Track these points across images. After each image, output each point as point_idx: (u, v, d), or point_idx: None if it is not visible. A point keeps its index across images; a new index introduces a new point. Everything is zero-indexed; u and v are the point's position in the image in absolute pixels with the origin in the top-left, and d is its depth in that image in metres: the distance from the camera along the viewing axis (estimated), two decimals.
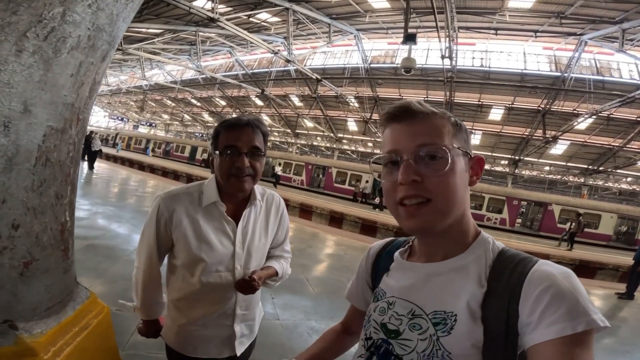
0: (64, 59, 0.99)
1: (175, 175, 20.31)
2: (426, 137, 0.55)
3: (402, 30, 9.72)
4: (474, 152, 0.62)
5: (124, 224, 5.49)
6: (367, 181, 19.42)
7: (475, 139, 21.70)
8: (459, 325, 0.51)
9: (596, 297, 5.73)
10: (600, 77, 15.17)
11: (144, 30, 15.94)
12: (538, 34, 14.00)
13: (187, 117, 37.38)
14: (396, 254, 0.69)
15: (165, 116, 41.31)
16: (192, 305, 1.06)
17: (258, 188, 1.11)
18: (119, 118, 38.59)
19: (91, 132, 13.40)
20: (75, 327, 1.07)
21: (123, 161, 23.25)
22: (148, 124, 40.67)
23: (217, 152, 1.00)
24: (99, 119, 46.34)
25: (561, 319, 0.43)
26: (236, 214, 1.07)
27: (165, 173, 20.48)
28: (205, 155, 28.27)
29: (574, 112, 16.23)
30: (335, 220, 12.77)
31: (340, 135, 26.79)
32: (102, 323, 1.17)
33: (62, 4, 0.93)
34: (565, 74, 14.86)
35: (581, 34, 13.04)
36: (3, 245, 0.87)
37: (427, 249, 0.62)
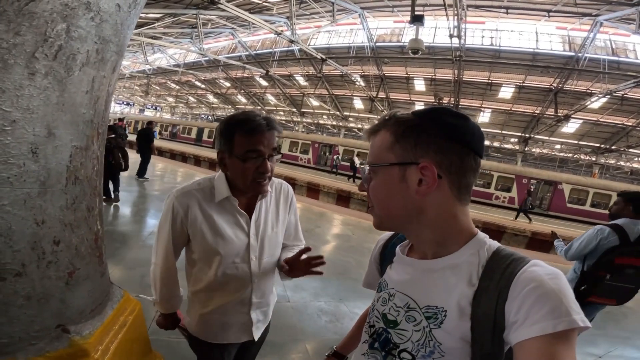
0: (77, 76, 0.98)
1: (183, 157, 20.42)
2: (368, 156, 0.66)
3: (409, 9, 9.38)
4: (423, 159, 0.58)
5: (136, 209, 5.66)
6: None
7: (485, 117, 21.29)
8: (449, 320, 0.55)
9: None
10: (615, 58, 14.57)
11: (143, 15, 15.63)
12: (551, 13, 13.39)
13: (192, 99, 37.17)
14: (398, 248, 0.72)
15: (170, 99, 41.10)
16: (211, 296, 1.11)
17: None
18: (125, 102, 38.50)
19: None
20: (115, 326, 1.17)
21: (131, 145, 23.36)
22: (153, 107, 40.58)
23: (235, 155, 0.99)
24: None
25: (544, 318, 0.46)
26: (248, 206, 1.11)
27: (173, 155, 20.62)
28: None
29: (587, 91, 15.69)
30: (343, 199, 12.82)
31: (346, 113, 26.46)
32: (136, 318, 1.28)
33: (64, 19, 0.90)
34: (579, 54, 14.33)
35: (597, 15, 12.46)
36: (48, 260, 0.95)
37: (415, 246, 0.67)
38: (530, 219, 11.88)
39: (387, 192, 0.61)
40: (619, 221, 2.26)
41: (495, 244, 0.60)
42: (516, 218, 12.13)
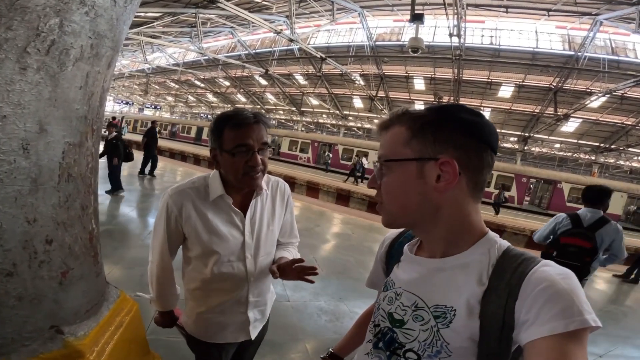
0: (70, 72, 0.96)
1: (183, 156, 20.38)
2: (381, 150, 0.63)
3: (409, 7, 9.36)
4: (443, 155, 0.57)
5: (135, 209, 5.62)
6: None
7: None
8: (458, 320, 0.55)
9: (602, 280, 5.67)
10: (615, 57, 14.59)
11: (142, 14, 15.59)
12: (551, 12, 13.40)
13: (191, 98, 37.14)
14: (406, 246, 0.71)
15: (170, 98, 41.07)
16: (207, 294, 1.11)
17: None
18: (124, 102, 38.43)
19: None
20: (112, 326, 1.15)
21: (130, 143, 23.30)
22: (153, 106, 40.53)
23: (225, 150, 0.99)
24: None
25: (555, 317, 0.45)
26: (243, 204, 1.10)
27: (172, 154, 20.59)
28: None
29: (587, 90, 15.71)
30: (342, 198, 12.85)
31: (346, 112, 26.45)
32: (133, 319, 1.26)
33: (57, 14, 0.88)
34: (579, 53, 14.35)
35: (596, 14, 12.48)
36: (40, 260, 0.92)
37: (425, 244, 0.66)
38: (497, 212, 12.21)
39: (403, 188, 0.60)
40: (579, 210, 2.71)
41: (505, 244, 0.60)
42: (497, 213, 12.38)
